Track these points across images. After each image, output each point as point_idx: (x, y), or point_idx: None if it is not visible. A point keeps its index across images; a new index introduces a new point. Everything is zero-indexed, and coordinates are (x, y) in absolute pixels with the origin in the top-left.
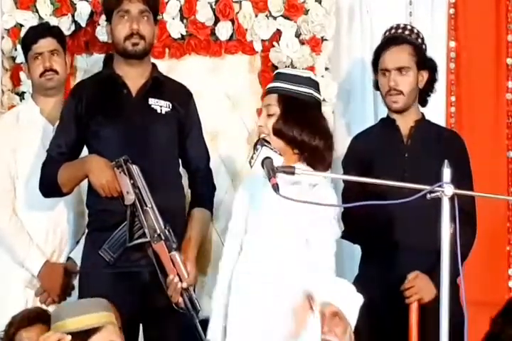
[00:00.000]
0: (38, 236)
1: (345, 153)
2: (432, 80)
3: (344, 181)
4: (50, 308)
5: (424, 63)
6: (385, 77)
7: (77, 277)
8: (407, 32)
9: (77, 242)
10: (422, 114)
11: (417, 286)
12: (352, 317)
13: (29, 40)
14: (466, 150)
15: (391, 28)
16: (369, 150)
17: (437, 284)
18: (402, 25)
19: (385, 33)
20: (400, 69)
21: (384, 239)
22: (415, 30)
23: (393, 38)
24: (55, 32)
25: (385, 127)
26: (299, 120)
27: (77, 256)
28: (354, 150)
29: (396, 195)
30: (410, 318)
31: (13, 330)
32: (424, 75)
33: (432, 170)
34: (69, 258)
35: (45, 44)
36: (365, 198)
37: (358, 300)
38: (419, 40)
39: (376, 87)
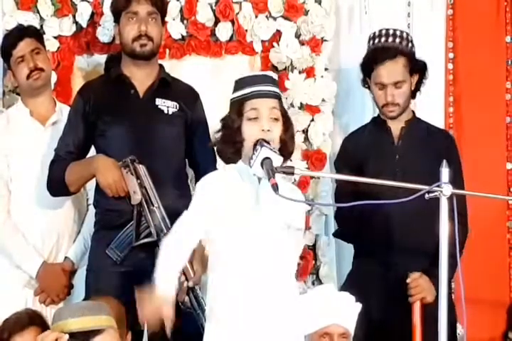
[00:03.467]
0: (34, 238)
1: (338, 153)
2: (423, 77)
3: (336, 181)
4: (50, 308)
5: (416, 68)
6: (381, 90)
7: (75, 276)
8: (398, 40)
9: (73, 241)
10: (413, 113)
11: (421, 286)
12: (353, 328)
13: (8, 46)
14: (456, 148)
15: (380, 34)
16: (360, 152)
17: (434, 285)
18: (391, 32)
19: (374, 38)
20: (395, 84)
21: (376, 239)
22: (405, 35)
23: (387, 50)
24: (31, 32)
25: (376, 128)
26: (292, 128)
27: (74, 255)
28: (346, 151)
29: (389, 195)
30: (413, 317)
31: (7, 336)
32: (415, 77)
33: (422, 171)
34: (66, 258)
35: (25, 46)
36: (357, 198)
37: (357, 309)
38: (410, 45)
39: (364, 84)
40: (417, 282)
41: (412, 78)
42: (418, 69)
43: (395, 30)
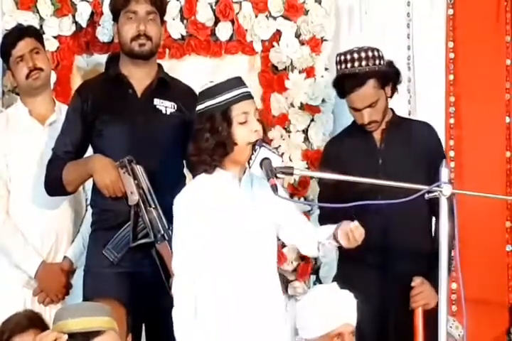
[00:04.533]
0: (33, 237)
1: (321, 158)
2: (397, 80)
3: (320, 185)
4: (49, 308)
5: (388, 79)
6: (357, 112)
7: (74, 276)
8: (363, 62)
9: (72, 241)
10: (392, 111)
11: (423, 292)
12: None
13: (8, 46)
14: (439, 141)
15: (345, 59)
16: (343, 156)
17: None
18: (356, 56)
19: (339, 63)
20: (369, 105)
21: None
22: (370, 54)
23: (354, 77)
24: (31, 32)
25: (357, 132)
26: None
27: (73, 254)
28: (328, 155)
29: (375, 197)
30: (415, 323)
31: (6, 337)
32: (390, 84)
33: (405, 172)
34: (65, 258)
35: (24, 45)
36: (340, 202)
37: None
38: (377, 61)
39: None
40: (420, 288)
41: (387, 88)
42: (390, 78)
43: (359, 51)
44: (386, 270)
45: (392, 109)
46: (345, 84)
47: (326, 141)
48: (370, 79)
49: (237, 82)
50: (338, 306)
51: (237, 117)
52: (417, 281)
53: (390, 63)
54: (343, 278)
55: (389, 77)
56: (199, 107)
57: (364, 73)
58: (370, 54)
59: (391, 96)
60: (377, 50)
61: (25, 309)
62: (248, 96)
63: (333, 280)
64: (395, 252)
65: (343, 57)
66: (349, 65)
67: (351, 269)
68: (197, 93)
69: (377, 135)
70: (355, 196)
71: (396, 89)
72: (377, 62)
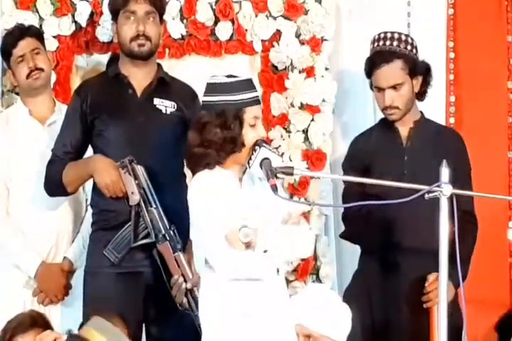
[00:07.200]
0: (33, 237)
1: (346, 155)
2: (427, 78)
3: (344, 182)
4: (48, 308)
5: (417, 70)
6: (380, 93)
7: (74, 276)
8: (395, 43)
9: (72, 241)
10: (421, 113)
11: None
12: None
13: (8, 45)
14: (465, 149)
15: (379, 37)
16: (368, 153)
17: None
18: (389, 35)
19: (374, 42)
20: (393, 87)
21: (382, 239)
22: (403, 38)
23: (382, 54)
24: (32, 31)
25: (384, 129)
26: None
27: (73, 255)
28: (354, 152)
29: (395, 196)
30: (432, 321)
31: (8, 337)
32: (419, 79)
33: (430, 172)
34: (65, 258)
35: (25, 45)
36: (364, 199)
37: (344, 317)
38: (409, 47)
39: (371, 87)
40: (435, 285)
41: (415, 80)
42: (420, 71)
43: (393, 32)
44: (407, 268)
45: (421, 111)
46: (373, 60)
47: (327, 141)
48: (399, 59)
49: (251, 84)
50: (303, 305)
51: (248, 119)
52: (431, 278)
53: (423, 61)
54: (362, 274)
55: (418, 66)
56: (209, 98)
57: (393, 52)
58: (403, 38)
59: (420, 99)
60: (412, 39)
61: (30, 309)
62: (259, 101)
63: (353, 275)
64: (414, 250)
65: (377, 36)
66: (381, 43)
67: (372, 265)
68: (196, 92)
69: (403, 133)
70: (379, 193)
71: (426, 91)
72: (409, 47)
